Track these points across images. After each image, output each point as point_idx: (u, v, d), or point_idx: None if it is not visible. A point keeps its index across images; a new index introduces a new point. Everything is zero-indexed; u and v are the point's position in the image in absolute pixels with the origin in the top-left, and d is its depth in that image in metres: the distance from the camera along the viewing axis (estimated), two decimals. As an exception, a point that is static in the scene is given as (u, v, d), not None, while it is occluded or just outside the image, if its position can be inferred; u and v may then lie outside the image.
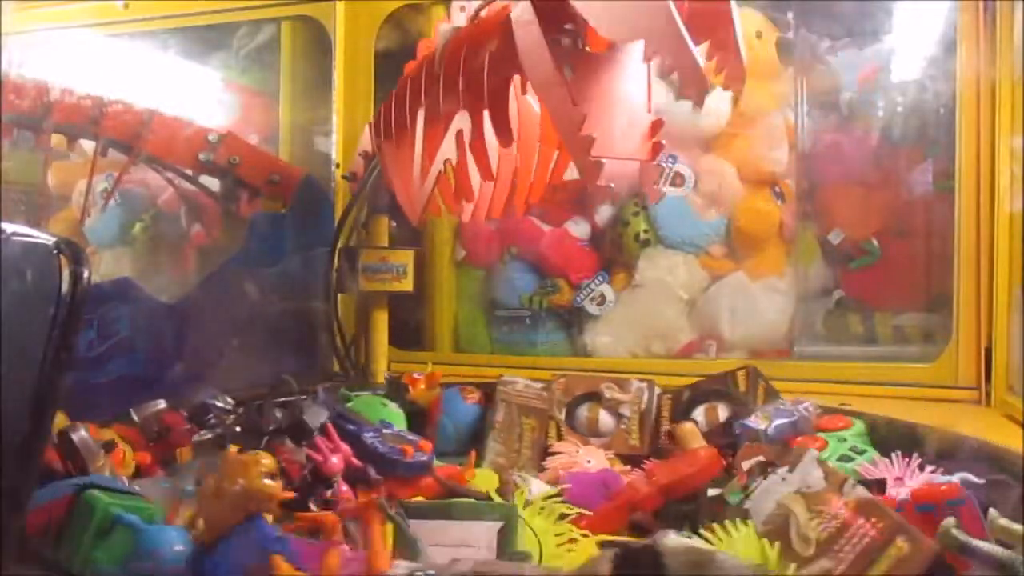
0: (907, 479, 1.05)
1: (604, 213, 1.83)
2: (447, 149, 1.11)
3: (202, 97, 2.00)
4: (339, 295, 1.79)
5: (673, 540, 0.74)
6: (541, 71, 0.91)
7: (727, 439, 1.28)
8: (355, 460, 1.14)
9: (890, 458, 1.10)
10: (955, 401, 1.50)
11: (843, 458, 1.17)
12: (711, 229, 1.75)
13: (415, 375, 1.52)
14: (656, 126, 0.99)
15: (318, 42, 1.92)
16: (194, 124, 1.79)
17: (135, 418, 1.23)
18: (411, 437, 1.26)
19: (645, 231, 1.77)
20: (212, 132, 1.75)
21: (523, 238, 1.87)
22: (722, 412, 1.40)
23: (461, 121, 1.08)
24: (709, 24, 0.89)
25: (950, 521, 0.78)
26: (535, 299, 1.86)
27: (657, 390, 1.47)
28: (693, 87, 0.81)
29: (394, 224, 1.76)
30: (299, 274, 1.77)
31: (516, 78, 1.07)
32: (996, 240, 1.47)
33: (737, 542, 0.94)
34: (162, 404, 1.25)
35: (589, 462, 1.35)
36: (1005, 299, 1.45)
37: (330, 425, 1.17)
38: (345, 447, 1.14)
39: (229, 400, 1.32)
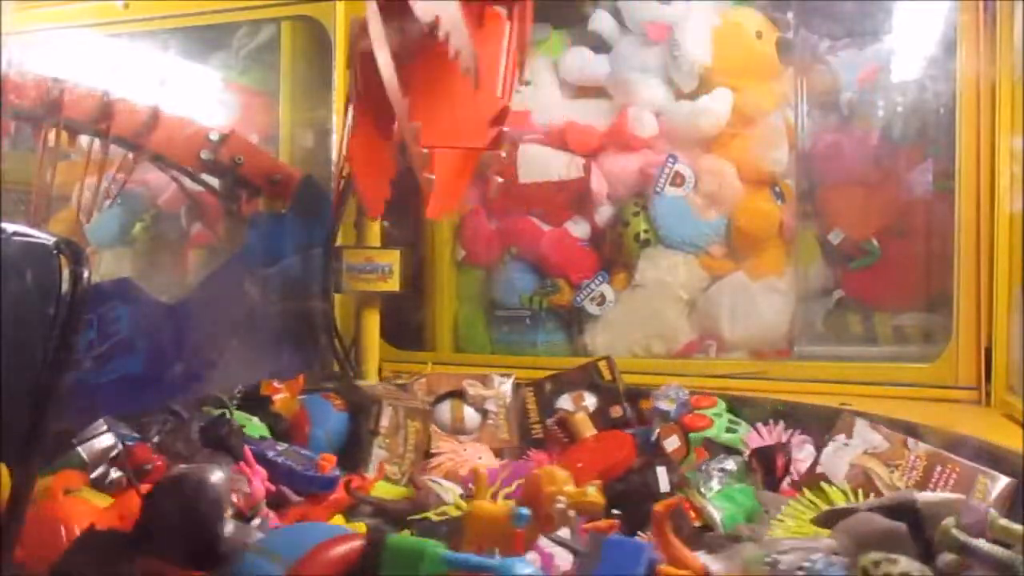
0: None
1: (604, 213, 1.83)
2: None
3: (202, 97, 2.00)
4: (336, 295, 1.79)
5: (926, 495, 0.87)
6: (382, 63, 0.95)
7: (615, 423, 1.43)
8: (268, 483, 1.08)
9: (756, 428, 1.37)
10: (955, 401, 1.50)
11: (729, 430, 1.38)
12: (711, 229, 1.75)
13: (275, 383, 1.44)
14: (502, 113, 1.00)
15: (318, 42, 1.92)
16: (195, 123, 1.78)
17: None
18: (308, 452, 1.22)
19: (645, 231, 1.77)
20: (213, 131, 1.75)
21: (523, 238, 1.87)
22: (588, 399, 1.50)
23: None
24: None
25: (950, 521, 0.78)
26: (535, 299, 1.86)
27: (516, 383, 1.55)
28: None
29: (386, 223, 1.75)
30: (298, 274, 1.77)
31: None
32: (996, 240, 1.47)
33: (836, 496, 1.07)
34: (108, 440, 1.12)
35: (480, 458, 1.37)
36: (1005, 299, 1.45)
37: (247, 448, 1.11)
38: (261, 470, 1.08)
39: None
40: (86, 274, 0.74)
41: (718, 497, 1.11)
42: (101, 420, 1.13)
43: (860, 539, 0.84)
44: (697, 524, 1.08)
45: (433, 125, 0.93)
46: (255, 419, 1.37)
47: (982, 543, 0.74)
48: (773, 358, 1.71)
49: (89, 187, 1.83)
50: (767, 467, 1.22)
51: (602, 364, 1.55)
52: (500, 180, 1.68)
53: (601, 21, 1.83)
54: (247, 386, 1.46)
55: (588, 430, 1.38)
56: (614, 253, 1.82)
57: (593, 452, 1.30)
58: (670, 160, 1.74)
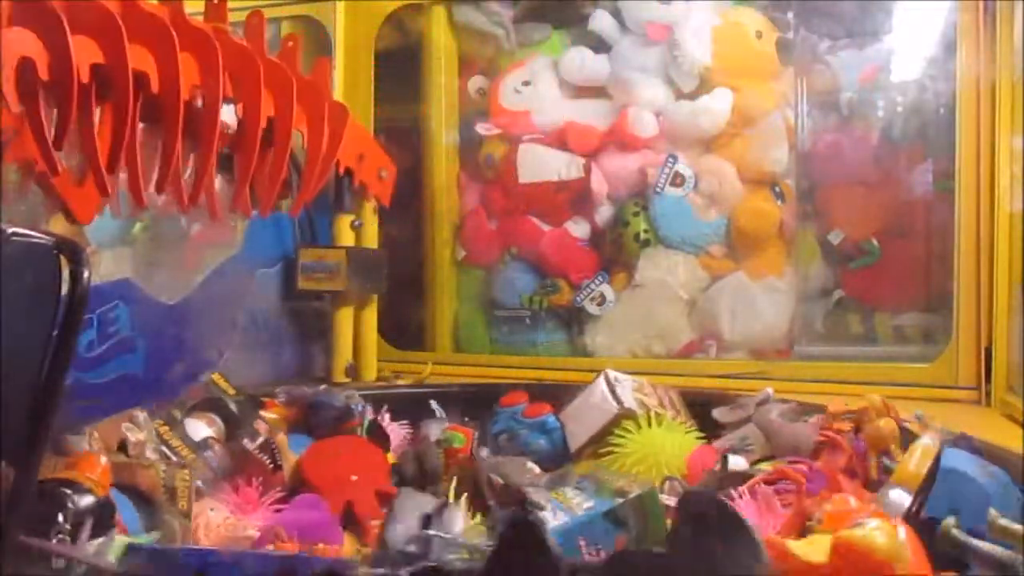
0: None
1: (604, 213, 1.83)
2: None
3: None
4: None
5: None
6: None
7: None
8: None
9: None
10: (955, 401, 1.50)
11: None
12: (711, 229, 1.75)
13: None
14: None
15: (318, 42, 1.92)
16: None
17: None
18: None
19: (645, 231, 1.77)
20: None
21: (523, 238, 1.87)
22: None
23: None
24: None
25: (950, 521, 0.78)
26: (535, 299, 1.86)
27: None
28: None
29: (358, 223, 1.74)
30: (293, 274, 1.77)
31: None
32: (996, 240, 1.47)
33: None
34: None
35: None
36: (1005, 299, 1.45)
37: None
38: None
39: None
40: (86, 274, 0.74)
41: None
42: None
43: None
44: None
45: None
46: None
47: (982, 543, 0.74)
48: (773, 358, 1.71)
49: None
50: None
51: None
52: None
53: (601, 21, 1.83)
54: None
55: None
56: (614, 253, 1.82)
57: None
58: (670, 160, 1.74)
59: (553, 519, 0.91)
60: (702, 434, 1.27)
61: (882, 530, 0.68)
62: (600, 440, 1.27)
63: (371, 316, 1.79)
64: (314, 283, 1.71)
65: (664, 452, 1.19)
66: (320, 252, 1.71)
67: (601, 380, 1.34)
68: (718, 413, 1.32)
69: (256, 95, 1.21)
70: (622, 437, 1.24)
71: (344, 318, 1.74)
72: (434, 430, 1.35)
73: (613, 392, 1.31)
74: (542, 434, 1.34)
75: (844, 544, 0.67)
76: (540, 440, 1.34)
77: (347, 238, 1.72)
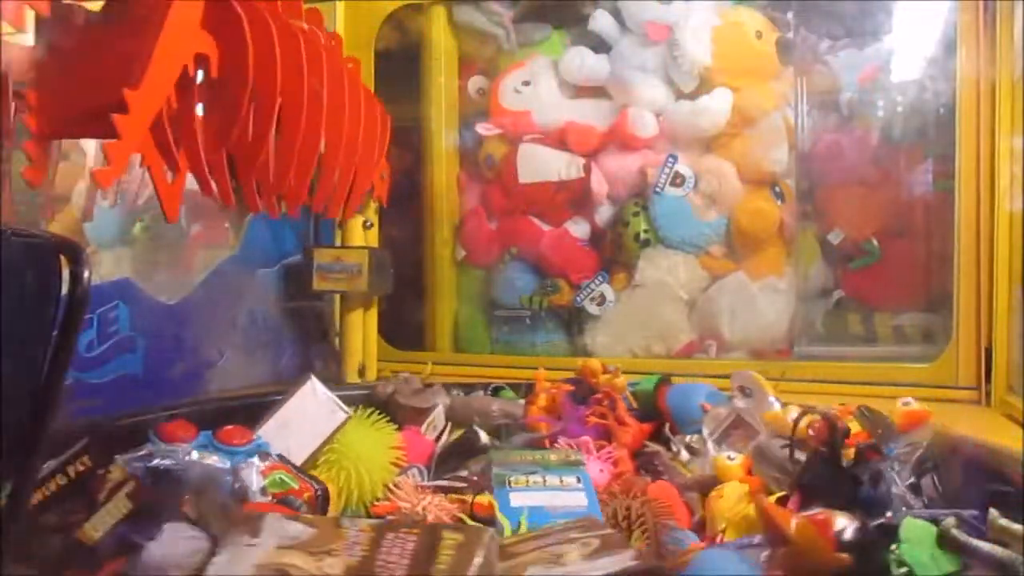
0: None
1: (604, 213, 1.83)
2: None
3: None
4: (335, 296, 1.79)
5: None
6: None
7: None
8: None
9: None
10: (955, 401, 1.50)
11: None
12: (711, 229, 1.75)
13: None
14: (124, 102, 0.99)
15: (318, 42, 1.91)
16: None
17: None
18: None
19: (645, 231, 1.77)
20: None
21: (523, 238, 1.87)
22: None
23: None
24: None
25: (950, 521, 0.78)
26: (535, 299, 1.86)
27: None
28: None
29: (369, 224, 1.74)
30: (297, 274, 1.77)
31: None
32: (996, 240, 1.47)
33: None
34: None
35: None
36: (1005, 299, 1.45)
37: None
38: None
39: None
40: (86, 274, 0.74)
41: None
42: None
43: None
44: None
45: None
46: None
47: (983, 543, 0.74)
48: (773, 358, 1.71)
49: (88, 187, 1.83)
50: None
51: None
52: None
53: (601, 21, 1.83)
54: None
55: None
56: (614, 253, 1.82)
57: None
58: (670, 160, 1.74)
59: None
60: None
61: None
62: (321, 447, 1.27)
63: (372, 317, 1.79)
64: (331, 283, 1.70)
65: (365, 446, 1.26)
66: (337, 252, 1.70)
67: (314, 386, 1.31)
68: None
69: (343, 108, 1.25)
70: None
71: (355, 318, 1.74)
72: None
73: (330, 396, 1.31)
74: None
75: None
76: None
77: (358, 238, 1.72)
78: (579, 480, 1.09)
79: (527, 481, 1.08)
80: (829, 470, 0.96)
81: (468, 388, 1.55)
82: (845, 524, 0.79)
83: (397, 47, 1.99)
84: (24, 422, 0.72)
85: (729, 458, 1.13)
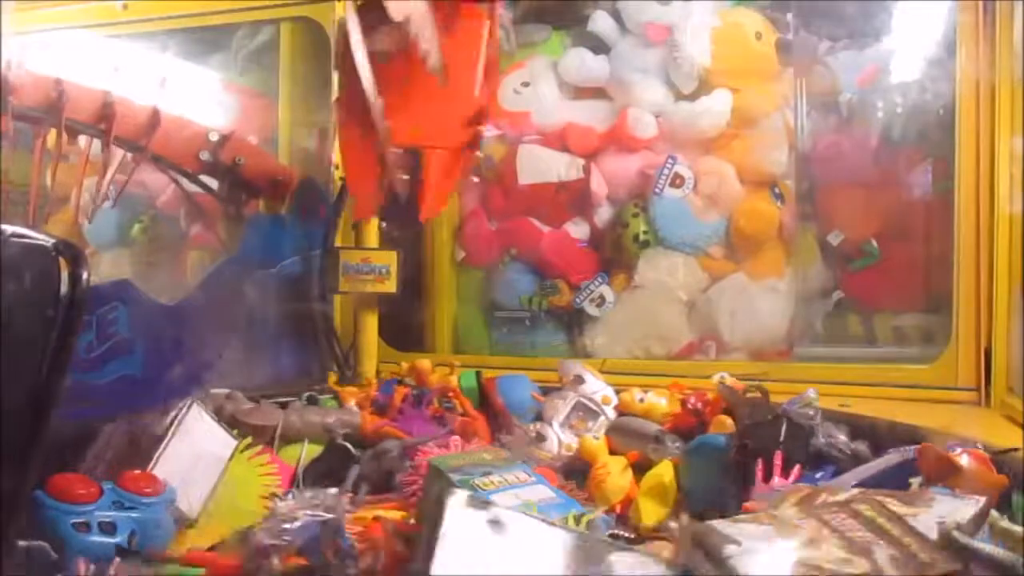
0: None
1: (604, 214, 1.83)
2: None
3: (201, 98, 2.00)
4: (336, 297, 1.79)
5: None
6: (359, 63, 0.95)
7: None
8: None
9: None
10: (955, 402, 1.50)
11: None
12: (711, 230, 1.75)
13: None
14: (479, 112, 1.01)
15: (317, 43, 1.91)
16: (194, 123, 1.78)
17: None
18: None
19: (645, 232, 1.76)
20: (213, 132, 1.75)
21: (523, 239, 1.87)
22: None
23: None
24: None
25: (951, 523, 0.78)
26: (535, 300, 1.86)
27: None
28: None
29: (383, 225, 1.74)
30: (297, 276, 1.77)
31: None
32: (995, 241, 1.47)
33: None
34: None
35: None
36: (1005, 300, 1.44)
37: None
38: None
39: None
40: (85, 275, 0.74)
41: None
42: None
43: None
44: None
45: (408, 125, 0.93)
46: None
47: (984, 545, 0.74)
48: (773, 359, 1.71)
49: (88, 188, 1.83)
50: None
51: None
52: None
53: (601, 22, 1.83)
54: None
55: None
56: (614, 254, 1.82)
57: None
58: (670, 161, 1.74)
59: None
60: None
61: None
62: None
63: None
64: (359, 285, 1.70)
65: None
66: (365, 254, 1.70)
67: (200, 413, 1.20)
68: None
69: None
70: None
71: (372, 319, 1.74)
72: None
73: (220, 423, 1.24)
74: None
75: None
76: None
77: (373, 240, 1.72)
78: (529, 475, 1.09)
79: (492, 482, 1.05)
80: (775, 430, 1.11)
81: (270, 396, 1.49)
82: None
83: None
84: (23, 423, 0.72)
85: (595, 438, 1.28)
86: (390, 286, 1.70)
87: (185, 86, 2.00)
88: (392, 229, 1.84)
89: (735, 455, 1.10)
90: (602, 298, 1.80)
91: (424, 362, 1.51)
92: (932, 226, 1.69)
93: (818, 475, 1.09)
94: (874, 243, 1.76)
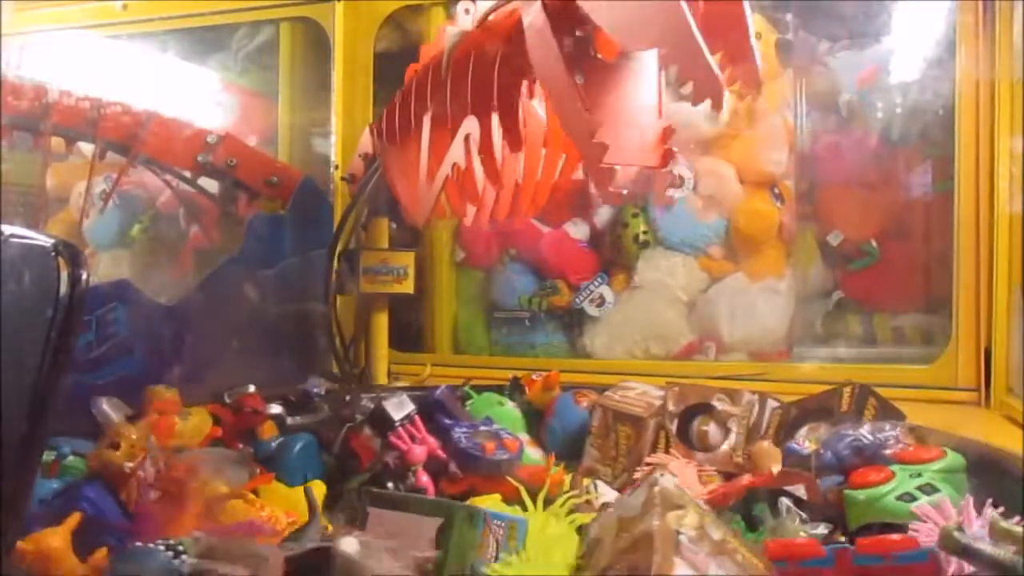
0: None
1: (603, 215, 1.83)
2: (455, 153, 1.11)
3: (201, 98, 2.00)
4: (338, 297, 1.79)
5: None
6: (554, 78, 0.88)
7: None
8: (440, 452, 1.18)
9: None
10: (955, 403, 1.50)
11: (904, 496, 0.96)
12: (710, 230, 1.75)
13: (534, 376, 1.48)
14: (667, 132, 0.98)
15: (317, 43, 1.92)
16: (192, 125, 1.78)
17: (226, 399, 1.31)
18: (504, 435, 1.23)
19: (644, 232, 1.76)
20: (211, 133, 1.75)
21: (522, 240, 1.87)
22: (824, 433, 1.20)
23: (469, 126, 1.07)
24: (722, 28, 0.86)
25: (951, 524, 0.78)
26: (534, 300, 1.86)
27: (771, 404, 1.29)
28: (709, 94, 0.78)
29: (394, 226, 1.75)
30: (297, 276, 1.77)
31: (524, 83, 1.07)
32: (995, 241, 1.47)
33: None
34: (251, 388, 1.33)
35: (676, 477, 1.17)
36: (1005, 300, 1.44)
37: (418, 417, 1.21)
38: (432, 440, 1.18)
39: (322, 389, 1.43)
40: (84, 276, 0.74)
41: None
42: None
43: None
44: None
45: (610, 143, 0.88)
46: (510, 403, 1.45)
47: (985, 545, 0.74)
48: (773, 359, 1.71)
49: (87, 189, 1.83)
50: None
51: (846, 391, 1.24)
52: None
53: (600, 22, 1.82)
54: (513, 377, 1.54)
55: (770, 461, 1.13)
56: (613, 254, 1.82)
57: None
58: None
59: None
60: None
61: None
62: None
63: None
64: (379, 286, 1.70)
65: None
66: (384, 255, 1.71)
67: None
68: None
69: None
70: None
71: (383, 320, 1.75)
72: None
73: None
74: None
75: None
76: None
77: (384, 240, 1.72)
78: None
79: None
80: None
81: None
82: None
83: (396, 48, 1.99)
84: (23, 424, 0.72)
85: None
86: (408, 287, 1.71)
87: (185, 87, 2.00)
88: (396, 230, 1.83)
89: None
90: (602, 298, 1.80)
91: None
92: (932, 226, 1.69)
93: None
94: (874, 243, 1.75)
